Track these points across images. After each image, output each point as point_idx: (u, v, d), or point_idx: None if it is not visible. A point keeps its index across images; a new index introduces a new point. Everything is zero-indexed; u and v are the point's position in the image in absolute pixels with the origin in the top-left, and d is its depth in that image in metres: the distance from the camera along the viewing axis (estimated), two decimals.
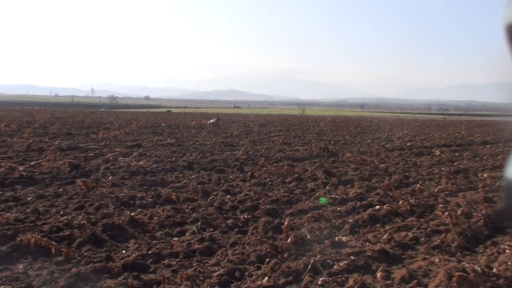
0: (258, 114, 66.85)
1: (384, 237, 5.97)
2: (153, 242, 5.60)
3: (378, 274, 4.67)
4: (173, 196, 7.62)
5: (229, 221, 6.61)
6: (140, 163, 11.35)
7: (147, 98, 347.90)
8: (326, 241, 5.73)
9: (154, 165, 11.18)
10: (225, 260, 5.02)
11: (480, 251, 5.70)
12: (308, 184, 9.55)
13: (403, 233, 6.19)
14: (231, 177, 10.32)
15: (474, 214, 7.05)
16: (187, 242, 5.61)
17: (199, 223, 6.46)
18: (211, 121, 29.28)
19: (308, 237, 5.85)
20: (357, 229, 6.43)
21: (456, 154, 15.96)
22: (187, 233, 6.04)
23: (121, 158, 12.11)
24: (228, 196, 8.29)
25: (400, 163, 13.19)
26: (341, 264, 4.86)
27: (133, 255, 5.00)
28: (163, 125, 27.57)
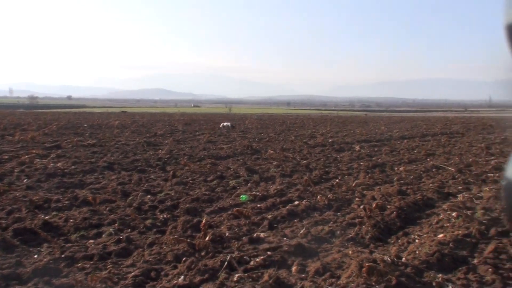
0: (184, 113, 66.38)
1: (301, 232, 6.09)
2: (67, 245, 5.44)
3: (293, 268, 4.77)
4: (90, 198, 7.44)
5: (148, 221, 6.54)
6: (58, 164, 11.00)
7: (69, 98, 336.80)
8: (244, 237, 5.78)
9: (73, 167, 10.85)
10: (141, 260, 4.97)
11: (392, 241, 5.92)
12: (230, 182, 9.59)
13: (320, 227, 6.34)
14: (152, 177, 10.20)
15: (388, 206, 7.31)
16: (103, 244, 5.49)
17: (116, 224, 6.34)
18: (225, 124, 26.94)
19: (227, 234, 5.87)
20: (275, 225, 6.53)
21: (375, 149, 16.50)
22: (103, 235, 5.91)
23: (38, 160, 11.65)
24: (148, 196, 8.19)
25: (321, 159, 13.47)
26: (257, 259, 4.92)
27: (45, 259, 4.84)
28: (85, 125, 26.81)
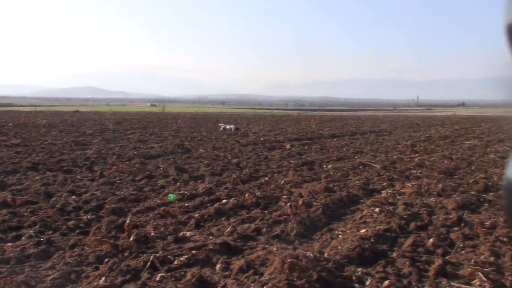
0: (116, 111, 65.00)
1: (227, 230, 6.11)
2: None
3: (217, 266, 4.77)
4: (9, 199, 7.15)
5: (71, 223, 6.35)
6: None
7: None
8: (169, 237, 5.73)
9: None
10: (62, 263, 4.82)
11: (317, 238, 6.04)
12: (159, 181, 9.47)
13: (246, 225, 6.38)
14: (78, 177, 9.92)
15: (314, 203, 7.44)
16: (21, 247, 5.28)
17: (37, 226, 6.12)
18: (228, 127, 25.57)
19: (152, 234, 5.80)
20: (202, 224, 6.51)
21: (306, 148, 16.72)
22: (23, 238, 5.70)
23: None
24: (73, 196, 7.94)
25: (252, 158, 13.54)
26: (181, 259, 4.89)
27: None
28: (10, 124, 25.75)
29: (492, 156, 14.28)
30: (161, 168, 11.06)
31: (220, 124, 27.21)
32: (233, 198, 7.80)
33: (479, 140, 20.39)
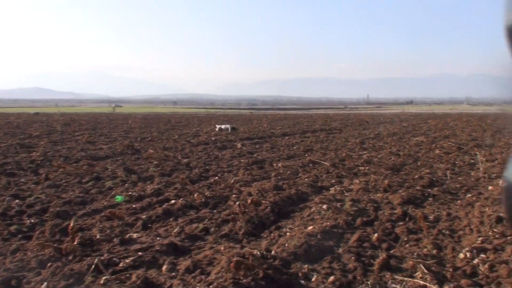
0: (64, 113, 63.53)
1: (175, 231, 6.06)
2: None
3: (164, 267, 4.73)
4: None
5: (13, 227, 6.16)
6: None
7: None
8: (115, 239, 5.63)
9: None
10: (2, 269, 4.67)
11: (265, 236, 6.06)
12: (106, 183, 9.31)
13: (195, 225, 6.35)
14: (23, 180, 9.64)
15: (263, 202, 7.45)
16: None
17: None
18: (223, 126, 24.59)
19: (98, 236, 5.69)
20: (149, 225, 6.43)
21: (257, 146, 16.77)
22: None
23: None
24: (16, 200, 7.71)
25: (203, 157, 13.48)
26: (127, 261, 4.82)
27: None
28: None
29: (437, 152, 14.69)
30: (109, 170, 10.87)
31: (216, 126, 25.99)
32: (181, 199, 7.74)
33: (425, 136, 20.94)
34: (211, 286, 4.14)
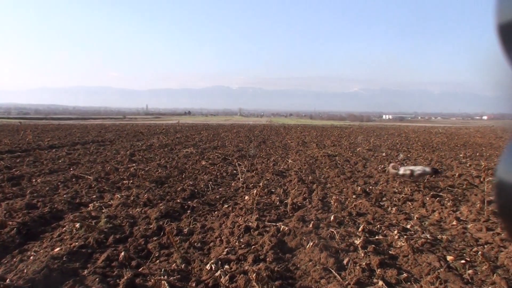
0: None
1: None
2: None
3: None
4: None
5: None
6: None
7: None
8: None
9: None
10: None
11: (5, 261, 5.54)
12: None
13: None
14: None
15: (9, 223, 6.86)
16: None
17: None
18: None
19: None
20: None
21: (18, 160, 15.50)
22: None
23: None
24: None
25: None
26: None
27: None
28: None
29: (204, 163, 15.21)
30: None
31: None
32: None
33: (195, 148, 21.58)
34: None
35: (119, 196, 9.16)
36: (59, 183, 10.83)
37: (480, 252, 5.88)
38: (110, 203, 8.73)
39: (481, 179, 12.29)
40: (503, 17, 1.20)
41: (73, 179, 11.49)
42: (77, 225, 6.75)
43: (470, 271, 5.29)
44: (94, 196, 9.45)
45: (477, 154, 21.22)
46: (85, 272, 5.05)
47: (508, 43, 1.19)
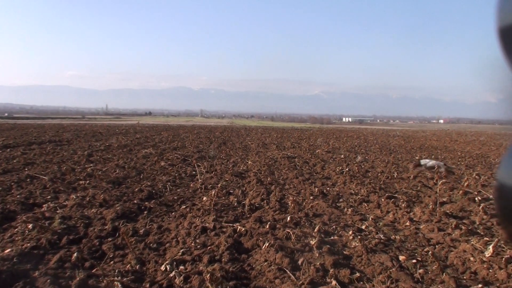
0: None
1: None
2: None
3: None
4: None
5: None
6: None
7: None
8: None
9: None
10: None
11: None
12: None
13: None
14: None
15: None
16: None
17: None
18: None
19: None
20: None
21: None
22: None
23: None
24: None
25: None
26: None
27: None
28: None
29: (163, 164, 15.11)
30: None
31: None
32: None
33: (155, 148, 21.42)
34: None
35: (74, 197, 9.01)
36: (12, 183, 10.57)
37: (430, 252, 6.03)
38: (65, 203, 8.58)
39: (435, 181, 12.61)
40: (504, 20, 1.20)
41: (28, 180, 11.23)
42: (30, 226, 6.62)
43: (420, 271, 5.43)
44: (49, 197, 9.27)
45: (433, 156, 21.73)
46: (36, 274, 4.95)
47: (509, 47, 1.20)
